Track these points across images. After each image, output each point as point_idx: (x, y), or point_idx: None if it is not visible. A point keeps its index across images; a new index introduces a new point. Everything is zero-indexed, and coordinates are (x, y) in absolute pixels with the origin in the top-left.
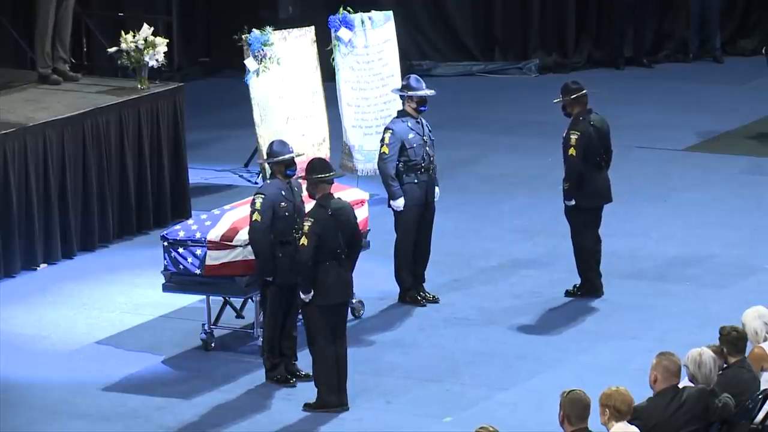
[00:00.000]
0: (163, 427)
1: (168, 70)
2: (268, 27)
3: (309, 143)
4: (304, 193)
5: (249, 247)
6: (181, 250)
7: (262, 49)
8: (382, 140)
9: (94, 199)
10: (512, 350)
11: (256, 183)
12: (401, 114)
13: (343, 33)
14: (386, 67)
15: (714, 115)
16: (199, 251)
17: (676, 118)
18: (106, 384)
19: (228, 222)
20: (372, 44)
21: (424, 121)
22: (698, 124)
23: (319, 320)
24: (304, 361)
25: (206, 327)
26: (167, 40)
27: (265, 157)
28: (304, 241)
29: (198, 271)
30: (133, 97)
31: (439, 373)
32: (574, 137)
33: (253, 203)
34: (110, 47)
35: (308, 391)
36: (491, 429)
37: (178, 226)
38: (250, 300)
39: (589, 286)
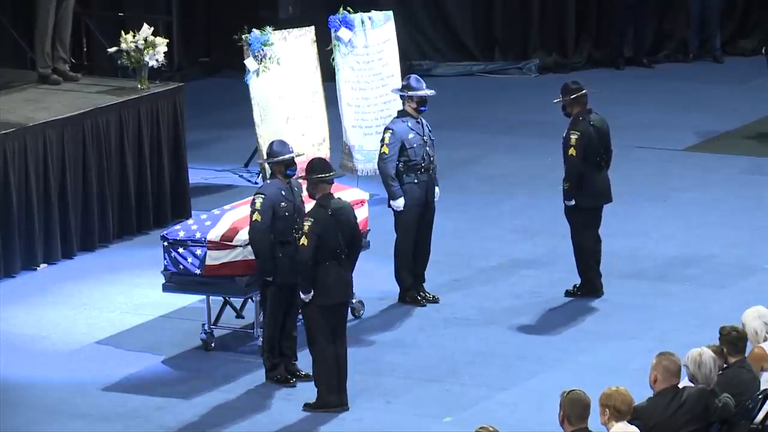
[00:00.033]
0: (163, 427)
1: (168, 70)
2: (268, 27)
3: (309, 143)
4: (304, 193)
5: (249, 247)
6: (181, 250)
7: (262, 49)
8: (382, 140)
9: (94, 199)
10: (512, 350)
11: (256, 183)
12: (401, 114)
13: (343, 33)
14: (386, 67)
15: (714, 115)
16: (199, 251)
17: (676, 118)
18: (106, 384)
19: (228, 222)
20: (372, 44)
21: (424, 121)
22: (698, 124)
23: (319, 320)
24: (304, 361)
25: (206, 327)
26: (167, 40)
27: (265, 157)
28: (304, 241)
29: (198, 271)
30: (133, 97)
31: (439, 373)
32: (574, 137)
33: (253, 203)
34: (110, 47)
35: (308, 391)
36: (491, 429)
37: (178, 226)
38: (250, 300)
39: (589, 286)
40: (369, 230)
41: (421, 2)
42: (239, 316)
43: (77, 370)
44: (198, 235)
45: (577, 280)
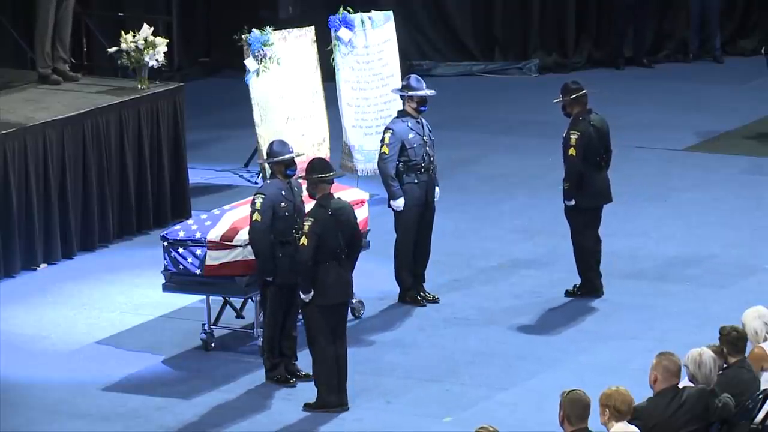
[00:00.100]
0: (163, 427)
1: (168, 70)
2: (268, 27)
3: (309, 143)
4: (304, 193)
5: (249, 247)
6: (181, 250)
7: (262, 49)
8: (382, 140)
9: (94, 199)
10: (512, 350)
11: (256, 183)
12: (401, 114)
13: (343, 33)
14: (386, 67)
15: (714, 115)
16: (199, 251)
17: (676, 118)
18: (106, 384)
19: (228, 222)
20: (372, 44)
21: (424, 121)
22: (698, 124)
23: (319, 320)
24: (304, 361)
25: (206, 327)
26: (167, 40)
27: (265, 157)
28: (304, 241)
29: (198, 271)
30: (133, 97)
31: (439, 373)
32: (574, 137)
33: (253, 203)
34: (110, 47)
35: (308, 391)
36: (491, 429)
37: (178, 226)
38: (250, 300)
39: (589, 286)
40: (369, 230)
41: (421, 2)
42: (239, 316)
43: (77, 370)
44: (198, 235)
45: (577, 280)
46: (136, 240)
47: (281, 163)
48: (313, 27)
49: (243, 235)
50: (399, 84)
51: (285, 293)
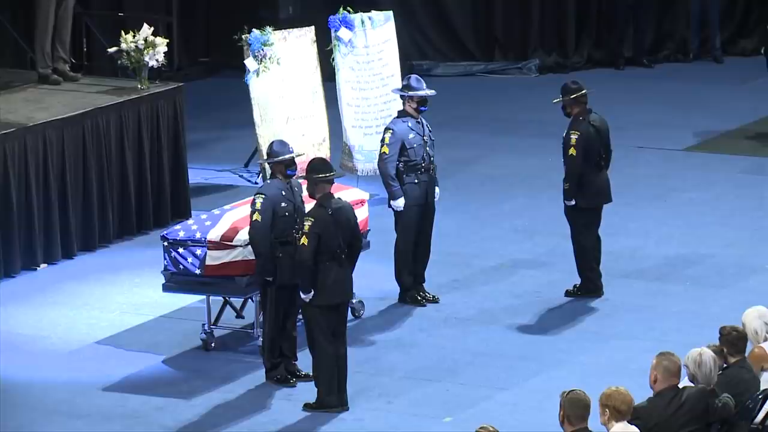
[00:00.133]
0: (163, 427)
1: (168, 70)
2: (268, 27)
3: (309, 143)
4: (305, 193)
5: (249, 247)
6: (181, 250)
7: (262, 49)
8: (383, 140)
9: (94, 199)
10: (512, 350)
11: (256, 183)
12: (401, 114)
13: (343, 33)
14: (386, 67)
15: (714, 115)
16: (199, 251)
17: (676, 118)
18: (106, 384)
19: (228, 222)
20: (372, 44)
21: (424, 121)
22: (698, 124)
23: (319, 320)
24: (304, 361)
25: (206, 327)
26: (167, 40)
27: (265, 157)
28: (304, 240)
29: (198, 271)
30: (133, 97)
31: (439, 373)
32: (574, 137)
33: (253, 203)
34: (110, 47)
35: (308, 391)
36: (491, 429)
37: (178, 226)
38: (250, 300)
39: (589, 286)
40: (369, 230)
41: (421, 2)
42: (239, 316)
43: (77, 370)
44: (198, 235)
45: (577, 280)
46: (136, 240)
47: (281, 163)
48: (313, 27)
49: (243, 235)
50: (399, 84)
51: (285, 293)
